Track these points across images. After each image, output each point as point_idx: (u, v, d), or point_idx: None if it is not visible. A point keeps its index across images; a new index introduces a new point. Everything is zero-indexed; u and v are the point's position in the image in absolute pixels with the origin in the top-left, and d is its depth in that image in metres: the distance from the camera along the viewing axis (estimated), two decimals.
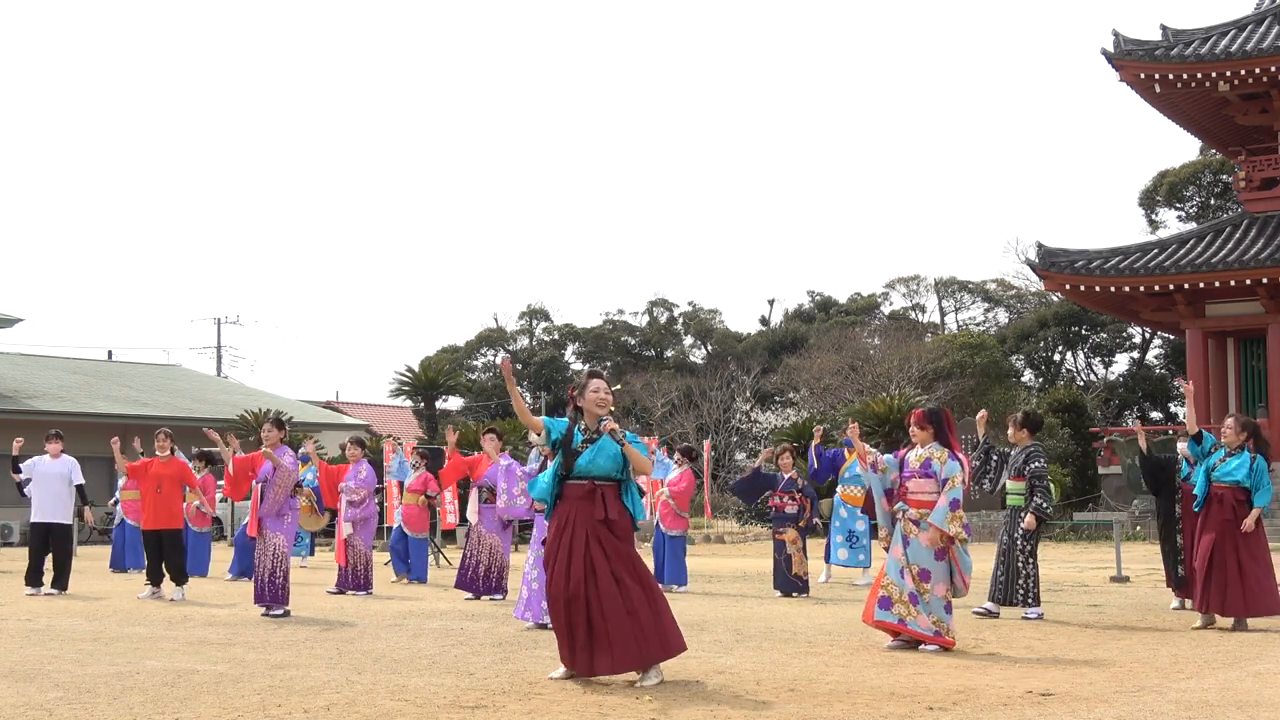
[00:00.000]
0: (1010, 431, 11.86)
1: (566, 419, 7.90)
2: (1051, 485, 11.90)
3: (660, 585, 14.92)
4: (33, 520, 15.11)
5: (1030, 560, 11.54)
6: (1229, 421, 11.13)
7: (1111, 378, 49.17)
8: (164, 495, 14.64)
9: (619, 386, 8.21)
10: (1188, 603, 12.39)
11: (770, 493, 14.96)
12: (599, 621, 7.47)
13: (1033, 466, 11.61)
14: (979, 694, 7.15)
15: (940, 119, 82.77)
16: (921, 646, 9.14)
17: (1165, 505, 12.61)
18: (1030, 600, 11.48)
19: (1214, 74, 29.63)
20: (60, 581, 14.91)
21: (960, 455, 9.55)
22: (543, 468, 10.37)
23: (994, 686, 7.43)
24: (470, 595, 13.79)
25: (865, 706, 6.76)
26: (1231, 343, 31.92)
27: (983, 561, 12.07)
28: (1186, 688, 7.43)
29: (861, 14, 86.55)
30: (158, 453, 14.87)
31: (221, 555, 21.80)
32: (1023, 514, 11.57)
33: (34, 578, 14.88)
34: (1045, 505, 11.63)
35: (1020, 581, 11.48)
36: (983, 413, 11.85)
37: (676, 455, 16.05)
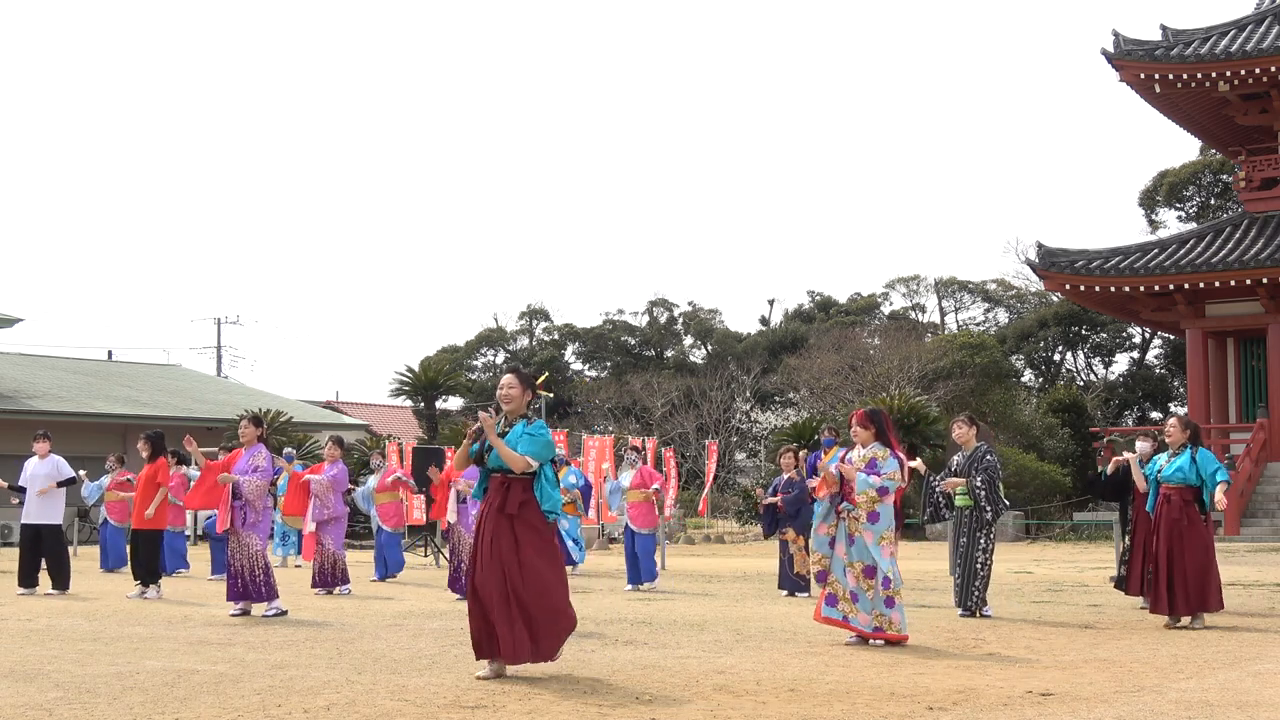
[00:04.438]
0: (960, 431, 11.89)
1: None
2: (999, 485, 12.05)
3: (636, 585, 15.25)
4: (22, 522, 15.25)
5: (988, 562, 11.63)
6: (1172, 421, 11.29)
7: (1111, 378, 49.16)
8: (140, 497, 14.95)
9: (544, 377, 8.48)
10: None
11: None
12: (491, 612, 7.62)
13: (987, 461, 11.71)
14: (979, 694, 7.15)
15: (940, 119, 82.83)
16: (872, 640, 9.32)
17: (1124, 510, 13.26)
18: (978, 601, 11.59)
19: (1214, 74, 29.63)
20: (60, 582, 14.93)
21: (900, 454, 9.76)
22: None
23: (994, 686, 7.43)
24: (460, 597, 13.78)
25: (865, 706, 6.76)
26: (1231, 343, 31.91)
27: (930, 561, 12.13)
28: (1186, 688, 7.43)
29: (861, 14, 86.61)
30: (141, 453, 15.06)
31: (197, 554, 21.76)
32: (984, 512, 11.61)
33: (26, 579, 14.93)
34: (1002, 505, 11.80)
35: (976, 583, 11.54)
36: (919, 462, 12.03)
37: (630, 453, 16.37)
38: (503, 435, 7.88)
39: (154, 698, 7.04)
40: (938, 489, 11.91)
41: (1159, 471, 11.10)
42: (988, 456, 11.74)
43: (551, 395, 9.50)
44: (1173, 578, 10.76)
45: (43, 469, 15.18)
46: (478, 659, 7.84)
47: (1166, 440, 11.25)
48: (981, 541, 11.59)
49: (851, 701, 6.91)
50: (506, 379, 8.11)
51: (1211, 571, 10.92)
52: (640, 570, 15.47)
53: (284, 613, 11.82)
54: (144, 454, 15.00)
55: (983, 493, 11.58)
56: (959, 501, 11.77)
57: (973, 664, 8.48)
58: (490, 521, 7.81)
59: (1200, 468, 10.87)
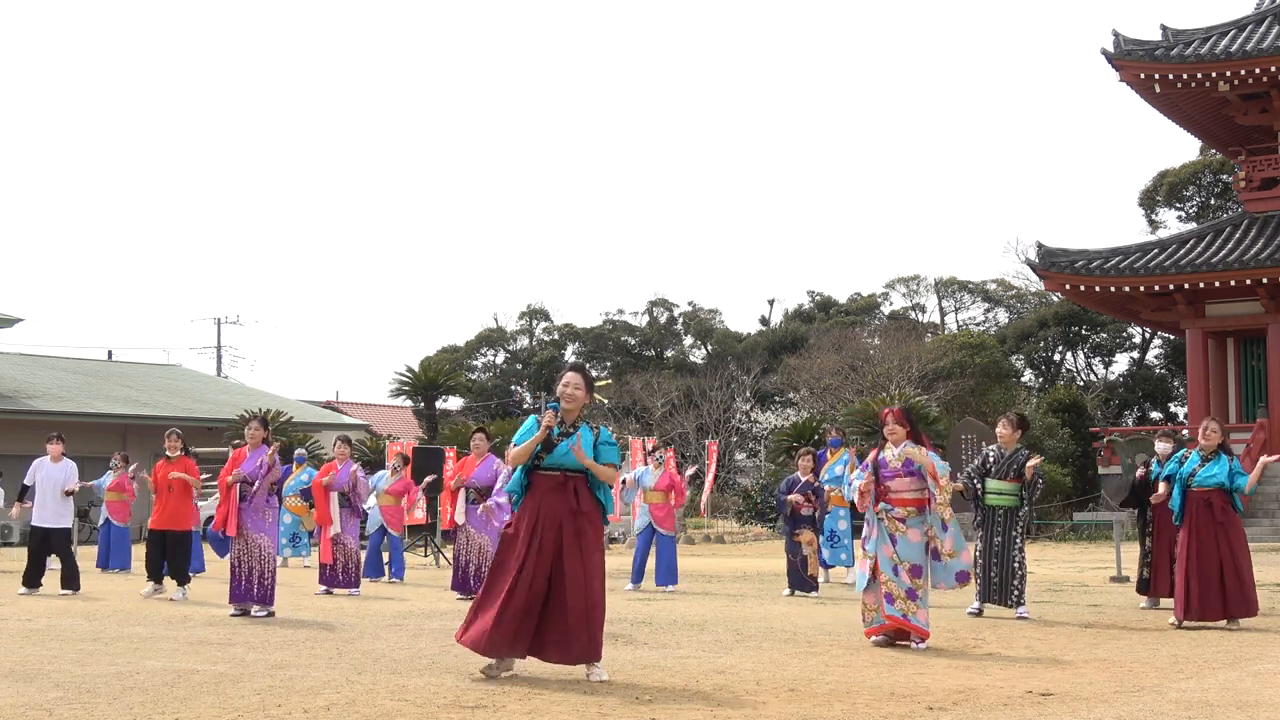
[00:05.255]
0: (1005, 432, 11.87)
1: (534, 418, 7.86)
2: None
3: (657, 586, 15.18)
4: (32, 524, 15.15)
5: (1024, 560, 11.70)
6: (1213, 426, 11.26)
7: (1111, 378, 49.16)
8: (173, 496, 14.69)
9: (606, 382, 8.26)
10: (1162, 602, 12.50)
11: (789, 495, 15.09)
12: (559, 612, 7.50)
13: (1031, 465, 11.70)
14: (979, 694, 7.14)
15: (940, 119, 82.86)
16: (915, 643, 9.23)
17: (1143, 512, 13.14)
18: (1023, 600, 11.60)
19: (1214, 74, 29.62)
20: (72, 582, 14.86)
21: (933, 452, 9.79)
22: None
23: (994, 686, 7.43)
24: (462, 596, 13.80)
25: (865, 706, 6.75)
26: (1231, 343, 31.91)
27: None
28: (1186, 688, 7.43)
29: (861, 14, 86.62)
30: (167, 453, 14.92)
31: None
32: (1021, 512, 11.67)
33: (32, 579, 14.88)
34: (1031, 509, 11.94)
35: (1015, 582, 11.55)
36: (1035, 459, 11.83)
37: (659, 454, 16.32)
38: (565, 436, 7.68)
39: (154, 698, 7.04)
40: (975, 482, 11.84)
41: (1191, 475, 11.10)
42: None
43: (607, 402, 9.50)
44: (1229, 581, 10.80)
45: (56, 473, 15.13)
46: (499, 655, 7.59)
47: (1202, 443, 11.21)
48: (1018, 541, 11.65)
49: (851, 701, 6.90)
50: (572, 378, 7.82)
51: (1248, 576, 11.01)
52: (665, 572, 15.30)
53: (272, 614, 11.85)
54: (173, 452, 14.81)
55: (1036, 495, 11.69)
56: (995, 501, 11.71)
57: (973, 664, 8.48)
58: (555, 520, 7.60)
59: (1233, 468, 11.00)
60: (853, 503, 10.78)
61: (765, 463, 40.05)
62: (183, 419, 34.86)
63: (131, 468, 19.87)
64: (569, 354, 58.70)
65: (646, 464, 16.22)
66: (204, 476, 16.88)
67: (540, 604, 7.54)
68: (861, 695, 7.11)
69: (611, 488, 8.01)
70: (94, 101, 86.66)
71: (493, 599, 7.58)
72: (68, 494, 15.12)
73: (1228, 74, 29.55)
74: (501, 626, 7.47)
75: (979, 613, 11.59)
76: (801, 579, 14.49)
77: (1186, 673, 8.07)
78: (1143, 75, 30.29)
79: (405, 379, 40.08)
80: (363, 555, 15.52)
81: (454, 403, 52.14)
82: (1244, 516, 11.34)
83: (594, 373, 8.31)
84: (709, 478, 31.92)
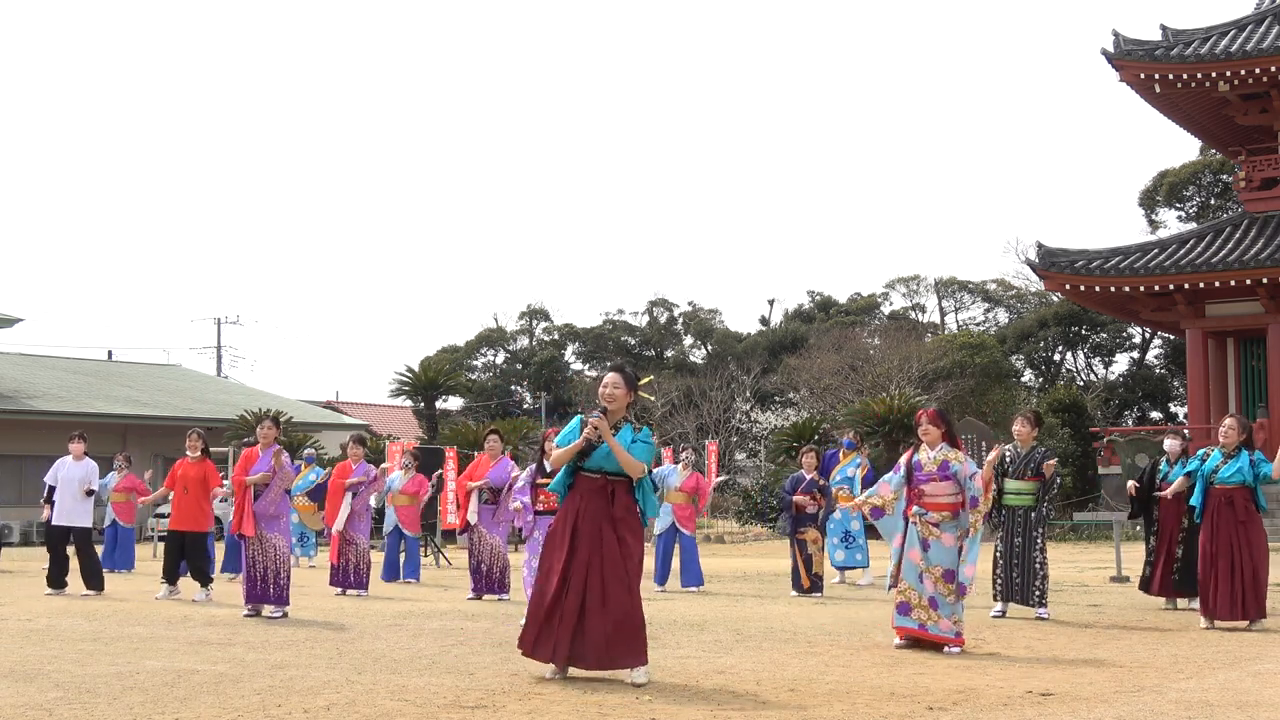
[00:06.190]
0: (1023, 430, 11.80)
1: (578, 421, 7.86)
2: None
3: (682, 588, 15.04)
4: (54, 522, 15.06)
5: (1045, 560, 11.64)
6: (1230, 422, 11.15)
7: (1111, 378, 49.15)
8: (191, 497, 14.40)
9: (649, 379, 8.24)
10: (1180, 602, 12.49)
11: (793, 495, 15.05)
12: (589, 616, 7.46)
13: (1050, 464, 11.67)
14: (979, 694, 7.14)
15: (940, 119, 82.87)
16: (948, 650, 9.08)
17: (1148, 511, 13.08)
18: (1045, 600, 11.57)
19: (1214, 74, 29.60)
20: (95, 582, 14.80)
21: (967, 454, 9.67)
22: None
23: (994, 686, 7.43)
24: (473, 595, 13.82)
25: (865, 706, 6.75)
26: (1231, 343, 31.89)
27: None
28: (1186, 688, 7.43)
29: (861, 14, 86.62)
30: (188, 453, 14.53)
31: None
32: (1040, 512, 11.62)
33: (56, 579, 14.83)
34: (1051, 507, 11.89)
35: (1037, 582, 11.51)
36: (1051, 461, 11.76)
37: (688, 456, 16.20)
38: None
39: (154, 698, 7.04)
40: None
41: (1213, 472, 11.01)
42: (1053, 459, 11.72)
43: (653, 399, 9.40)
44: (1244, 581, 10.72)
45: (77, 471, 15.09)
46: (546, 659, 7.60)
47: (1222, 441, 11.09)
48: (1039, 541, 11.59)
49: (851, 701, 6.90)
50: (611, 378, 7.81)
51: (1266, 576, 10.95)
52: (690, 573, 15.10)
53: (286, 615, 11.86)
54: (194, 452, 14.48)
55: (1053, 493, 11.66)
56: (1014, 500, 11.66)
57: (973, 664, 8.47)
58: (592, 522, 7.58)
59: (1255, 469, 10.87)
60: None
61: (765, 463, 40.04)
62: (183, 419, 34.90)
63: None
64: (569, 354, 58.73)
65: (675, 464, 16.03)
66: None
67: (580, 608, 7.48)
68: (861, 695, 7.11)
69: (655, 490, 7.97)
70: (94, 101, 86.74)
71: (541, 604, 7.59)
72: (88, 493, 15.11)
73: (1228, 74, 29.52)
74: (549, 631, 7.51)
75: (1003, 614, 11.55)
76: (806, 578, 14.44)
77: (1186, 673, 8.07)
78: (1143, 75, 30.27)
79: (405, 379, 40.09)
80: (374, 556, 15.48)
81: (454, 403, 52.14)
82: (1264, 515, 11.22)
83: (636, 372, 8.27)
84: (709, 478, 31.87)
